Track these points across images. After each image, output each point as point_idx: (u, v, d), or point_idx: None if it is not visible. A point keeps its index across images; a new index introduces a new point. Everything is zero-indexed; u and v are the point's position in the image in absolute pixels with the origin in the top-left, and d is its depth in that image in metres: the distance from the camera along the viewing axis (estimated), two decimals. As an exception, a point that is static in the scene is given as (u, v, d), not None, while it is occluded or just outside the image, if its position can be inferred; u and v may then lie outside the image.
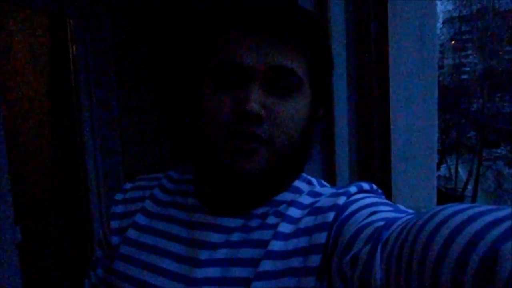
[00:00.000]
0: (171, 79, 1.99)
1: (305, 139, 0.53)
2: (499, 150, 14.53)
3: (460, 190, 13.63)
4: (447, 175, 14.30)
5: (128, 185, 0.65)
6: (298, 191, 0.55)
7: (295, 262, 0.47)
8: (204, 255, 0.51)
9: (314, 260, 0.46)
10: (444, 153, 14.14)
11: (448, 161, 14.38)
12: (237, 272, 0.49)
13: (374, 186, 0.55)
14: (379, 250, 0.38)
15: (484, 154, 13.93)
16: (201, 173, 0.58)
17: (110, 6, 2.10)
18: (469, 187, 13.53)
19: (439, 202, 0.93)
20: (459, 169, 14.36)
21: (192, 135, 0.54)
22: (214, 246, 0.52)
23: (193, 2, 1.68)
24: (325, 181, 0.60)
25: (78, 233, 2.23)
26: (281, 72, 0.49)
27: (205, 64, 0.53)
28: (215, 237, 0.52)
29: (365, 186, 0.53)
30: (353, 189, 0.51)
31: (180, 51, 1.88)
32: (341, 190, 0.51)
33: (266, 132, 0.48)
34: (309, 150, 0.55)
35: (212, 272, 0.50)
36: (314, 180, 0.58)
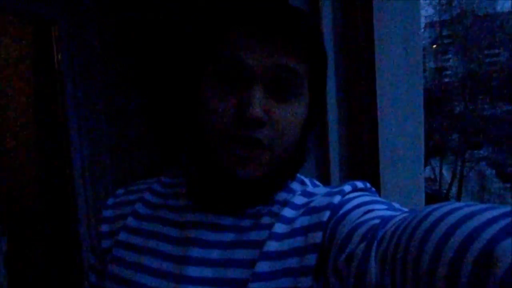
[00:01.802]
0: (168, 81, 1.98)
1: (302, 142, 0.53)
2: (481, 152, 14.79)
3: (444, 191, 13.81)
4: (432, 176, 14.47)
5: (120, 191, 0.66)
6: (291, 191, 0.56)
7: (292, 262, 0.47)
8: (195, 253, 0.51)
9: (310, 259, 0.46)
10: (428, 155, 14.30)
11: (432, 163, 14.56)
12: (232, 273, 0.49)
13: (368, 185, 0.55)
14: (374, 248, 0.38)
15: (467, 156, 14.16)
16: (197, 173, 0.57)
17: (97, 10, 2.08)
18: (453, 188, 13.72)
19: (426, 204, 0.94)
20: (443, 171, 14.56)
21: (191, 136, 0.54)
22: (206, 244, 0.52)
23: (193, 3, 1.67)
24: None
25: (65, 242, 2.19)
26: (283, 72, 0.49)
27: (205, 62, 0.52)
28: (207, 235, 0.52)
29: (359, 184, 0.54)
30: (347, 188, 0.52)
31: (179, 52, 1.86)
32: (335, 189, 0.52)
33: (266, 137, 0.48)
34: (304, 153, 0.56)
35: (205, 272, 0.50)
36: (306, 180, 0.59)
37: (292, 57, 0.49)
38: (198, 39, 0.54)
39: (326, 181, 1.11)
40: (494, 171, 14.37)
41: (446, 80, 15.81)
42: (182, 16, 1.83)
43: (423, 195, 1.36)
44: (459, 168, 13.86)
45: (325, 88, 0.60)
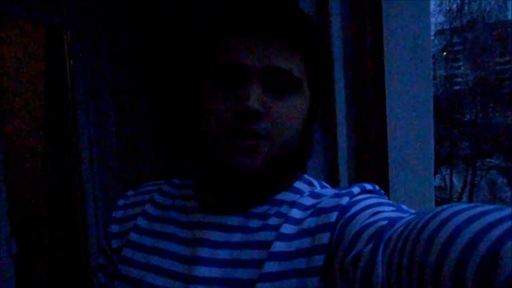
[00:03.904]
0: (171, 84, 2.00)
1: (304, 138, 0.54)
2: (492, 160, 14.61)
3: (455, 200, 13.64)
4: (442, 185, 14.33)
5: (131, 192, 0.67)
6: (299, 192, 0.56)
7: (299, 263, 0.47)
8: (204, 253, 0.52)
9: (318, 260, 0.46)
10: (438, 163, 14.17)
11: (443, 171, 14.42)
12: (240, 273, 0.49)
13: (377, 187, 0.56)
14: (381, 249, 0.38)
15: (477, 164, 13.99)
16: (202, 173, 0.58)
17: (107, 17, 2.11)
18: (464, 197, 13.56)
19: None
20: (454, 179, 14.40)
21: (193, 136, 0.55)
22: (214, 245, 0.52)
23: (193, 10, 1.71)
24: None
25: (74, 245, 2.21)
26: (277, 73, 0.51)
27: (206, 68, 0.54)
28: (215, 236, 0.53)
29: (368, 186, 0.54)
30: (356, 189, 0.52)
31: (181, 57, 1.90)
32: (344, 191, 0.52)
33: (264, 129, 0.50)
34: (308, 149, 0.57)
35: (213, 272, 0.50)
36: (314, 181, 0.59)
37: (286, 59, 0.51)
38: (199, 45, 0.56)
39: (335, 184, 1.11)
40: (505, 180, 14.17)
41: (457, 87, 15.70)
42: (185, 23, 1.86)
43: (433, 202, 1.35)
44: (469, 176, 13.70)
45: (328, 87, 0.61)
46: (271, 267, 0.48)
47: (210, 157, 0.52)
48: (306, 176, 0.60)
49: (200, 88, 0.55)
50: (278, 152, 0.51)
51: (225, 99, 0.51)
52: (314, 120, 0.57)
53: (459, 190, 14.02)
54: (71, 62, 2.07)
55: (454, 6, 14.45)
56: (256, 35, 0.50)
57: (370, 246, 0.39)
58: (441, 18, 14.80)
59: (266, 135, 0.50)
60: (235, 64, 0.50)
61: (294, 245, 0.49)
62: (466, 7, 14.39)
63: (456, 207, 0.33)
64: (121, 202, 0.65)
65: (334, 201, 0.50)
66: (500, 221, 0.29)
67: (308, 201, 0.53)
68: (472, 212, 0.31)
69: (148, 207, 0.61)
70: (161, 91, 2.11)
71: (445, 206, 0.35)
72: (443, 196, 13.96)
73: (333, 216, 0.48)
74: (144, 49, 2.15)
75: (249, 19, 0.51)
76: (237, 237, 0.52)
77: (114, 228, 0.62)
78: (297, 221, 0.51)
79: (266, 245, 0.50)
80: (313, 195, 0.55)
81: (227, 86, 0.51)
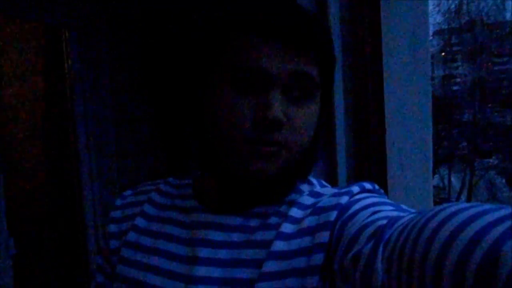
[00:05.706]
0: (177, 88, 1.98)
1: (314, 143, 0.54)
2: (491, 160, 14.63)
3: (453, 200, 13.65)
4: (440, 185, 14.34)
5: (128, 192, 0.66)
6: (299, 191, 0.56)
7: (299, 262, 0.47)
8: (204, 253, 0.52)
9: (317, 259, 0.46)
10: (436, 163, 14.20)
11: (441, 171, 14.43)
12: (240, 273, 0.49)
13: (376, 186, 0.56)
14: (381, 248, 0.38)
15: (476, 164, 14.02)
16: (206, 173, 0.58)
17: (106, 17, 2.11)
18: (463, 197, 13.58)
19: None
20: (452, 179, 14.42)
21: (201, 138, 0.54)
22: (214, 245, 0.52)
23: (204, 11, 1.68)
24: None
25: (72, 245, 2.20)
26: (300, 77, 0.49)
27: (214, 66, 0.52)
28: (215, 235, 0.53)
29: (368, 186, 0.54)
30: (355, 188, 0.52)
31: (186, 54, 1.87)
32: (343, 190, 0.52)
33: (284, 137, 0.49)
34: (316, 152, 0.56)
35: (213, 271, 0.50)
36: (314, 180, 0.59)
37: (308, 62, 0.50)
38: (210, 47, 0.53)
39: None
40: (504, 180, 14.20)
41: (455, 88, 15.73)
42: (193, 24, 1.85)
43: (432, 203, 1.35)
44: (468, 176, 13.73)
45: (332, 89, 0.60)
46: (270, 266, 0.48)
47: (223, 161, 0.51)
48: None
49: (207, 87, 0.53)
50: (294, 158, 0.51)
51: (245, 105, 0.49)
52: (322, 124, 0.56)
53: (458, 190, 14.05)
54: (70, 62, 2.07)
55: (453, 6, 14.48)
56: (277, 39, 0.48)
57: (369, 245, 0.39)
58: (439, 18, 14.83)
59: (285, 143, 0.49)
60: (258, 69, 0.48)
61: (294, 244, 0.49)
62: (464, 8, 14.42)
63: (456, 207, 0.33)
64: (118, 202, 0.65)
65: (333, 200, 0.50)
66: (500, 220, 0.29)
67: (307, 200, 0.53)
68: (472, 211, 0.31)
69: (147, 207, 0.61)
70: (164, 91, 2.10)
71: (445, 206, 0.35)
72: (442, 196, 13.98)
73: (333, 215, 0.48)
74: (146, 47, 2.15)
75: (270, 20, 0.48)
76: (236, 236, 0.52)
77: (112, 228, 0.62)
78: (297, 220, 0.51)
79: (266, 244, 0.50)
80: (313, 194, 0.54)
81: (247, 90, 0.49)
